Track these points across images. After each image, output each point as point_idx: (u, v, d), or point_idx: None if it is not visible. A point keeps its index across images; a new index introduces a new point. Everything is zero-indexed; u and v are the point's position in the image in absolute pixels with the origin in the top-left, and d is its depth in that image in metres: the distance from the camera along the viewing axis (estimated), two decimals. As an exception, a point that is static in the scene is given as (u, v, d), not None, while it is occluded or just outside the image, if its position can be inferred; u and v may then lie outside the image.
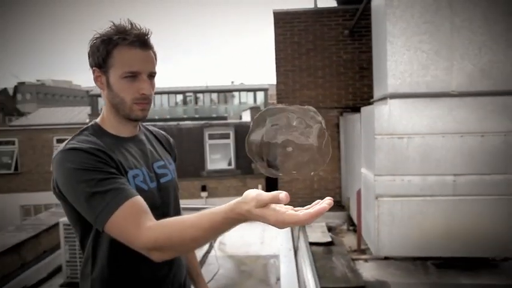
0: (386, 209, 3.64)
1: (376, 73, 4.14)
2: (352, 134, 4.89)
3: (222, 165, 14.55)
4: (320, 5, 5.82)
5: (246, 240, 5.17)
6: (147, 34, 1.10)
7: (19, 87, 42.95)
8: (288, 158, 0.85)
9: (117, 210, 0.94)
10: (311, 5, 5.81)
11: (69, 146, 1.02)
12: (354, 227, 5.07)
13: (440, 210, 3.58)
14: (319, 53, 5.58)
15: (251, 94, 28.43)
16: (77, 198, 0.98)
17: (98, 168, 0.98)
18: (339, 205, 5.73)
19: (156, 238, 0.90)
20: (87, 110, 25.80)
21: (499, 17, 3.51)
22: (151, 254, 0.91)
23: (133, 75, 1.08)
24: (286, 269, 3.74)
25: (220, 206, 0.84)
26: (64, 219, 3.85)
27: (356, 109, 4.71)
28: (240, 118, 16.83)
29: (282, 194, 0.75)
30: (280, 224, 0.74)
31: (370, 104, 4.25)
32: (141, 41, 1.08)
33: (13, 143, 14.24)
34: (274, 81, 5.96)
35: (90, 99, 30.05)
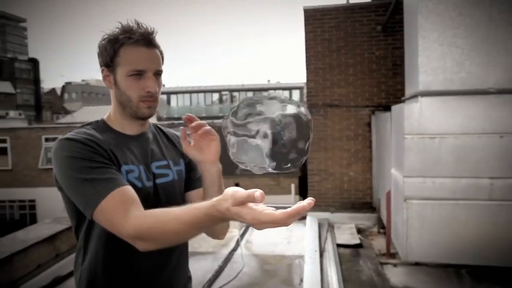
0: (416, 212, 3.48)
1: (408, 70, 3.96)
2: (384, 133, 4.72)
3: (256, 163, 14.60)
4: (352, 0, 5.66)
5: (273, 239, 5.14)
6: (152, 33, 1.13)
7: (66, 87, 45.39)
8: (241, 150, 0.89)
9: (105, 198, 0.96)
10: (343, 1, 5.67)
11: (65, 136, 1.06)
12: (384, 229, 4.89)
13: (475, 216, 3.36)
14: (351, 50, 5.44)
15: (286, 92, 28.31)
16: (69, 185, 1.01)
17: (91, 158, 1.01)
18: (370, 207, 5.56)
19: (139, 227, 0.91)
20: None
21: (544, 8, 3.24)
22: (136, 243, 0.94)
23: (139, 74, 1.11)
24: (310, 270, 3.67)
25: (204, 202, 0.84)
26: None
27: (388, 108, 4.54)
28: (275, 116, 16.76)
29: (257, 193, 0.73)
30: (257, 223, 0.72)
31: (401, 102, 4.07)
32: (146, 40, 1.11)
33: (59, 139, 15.06)
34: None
35: (131, 98, 31.16)
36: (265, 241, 5.08)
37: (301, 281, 3.68)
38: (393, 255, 4.10)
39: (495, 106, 3.31)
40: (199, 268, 4.16)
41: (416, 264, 3.76)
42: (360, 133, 5.50)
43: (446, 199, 3.41)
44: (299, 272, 3.96)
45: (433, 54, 3.39)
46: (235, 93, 31.24)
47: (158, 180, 1.18)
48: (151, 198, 1.13)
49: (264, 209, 0.73)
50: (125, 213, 0.94)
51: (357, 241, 4.69)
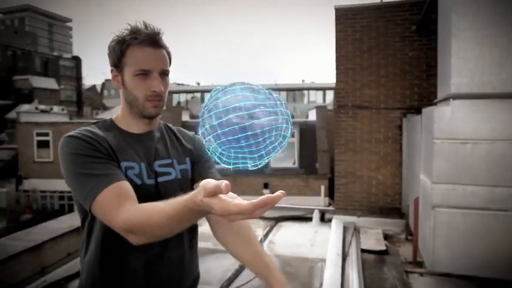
0: (444, 220, 3.31)
1: (440, 71, 3.78)
2: (415, 137, 4.55)
3: (286, 163, 14.52)
4: (386, -1, 5.48)
5: (296, 240, 5.09)
6: (158, 34, 1.15)
7: (106, 84, 47.18)
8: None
9: (102, 191, 1.00)
10: (376, 0, 5.51)
11: (69, 134, 1.11)
12: (412, 236, 4.71)
13: (510, 227, 3.16)
14: (382, 50, 5.27)
15: (320, 93, 27.95)
16: (71, 180, 1.06)
17: (91, 154, 1.05)
18: (399, 212, 5.37)
19: (130, 220, 0.94)
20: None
21: None
22: (128, 236, 0.96)
23: (144, 73, 1.14)
24: (330, 274, 3.59)
25: (185, 195, 0.84)
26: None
27: (421, 110, 4.36)
28: (307, 117, 16.61)
29: (223, 183, 0.72)
30: (225, 213, 0.71)
31: (432, 104, 3.90)
32: (151, 40, 1.13)
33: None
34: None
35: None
36: (288, 242, 5.03)
37: (321, 285, 3.61)
38: (420, 264, 3.94)
39: (536, 111, 3.10)
40: (219, 266, 4.18)
41: (445, 275, 3.59)
42: (390, 136, 5.33)
43: (478, 208, 3.22)
44: (320, 275, 3.89)
45: (468, 55, 3.21)
46: (269, 93, 31.22)
47: (160, 179, 1.19)
48: (152, 196, 1.14)
49: (234, 199, 0.72)
50: (118, 207, 0.97)
51: (383, 247, 4.55)
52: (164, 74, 1.17)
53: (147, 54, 1.13)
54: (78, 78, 36.13)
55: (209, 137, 0.78)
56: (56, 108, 28.03)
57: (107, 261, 1.13)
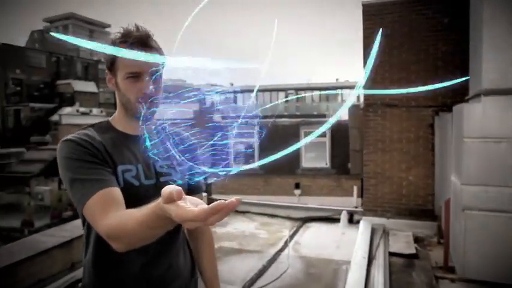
0: (476, 224, 3.13)
1: (472, 66, 3.57)
2: (447, 136, 4.33)
3: (317, 163, 14.35)
4: (417, -8, 5.26)
5: (323, 242, 5.01)
6: (149, 36, 1.16)
7: (143, 86, 48.62)
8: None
9: (91, 197, 1.01)
10: (406, -7, 5.30)
11: (66, 138, 1.12)
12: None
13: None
14: (413, 45, 5.06)
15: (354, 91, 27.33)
16: (65, 184, 1.08)
17: (84, 159, 1.07)
18: (431, 214, 5.14)
19: (110, 227, 0.95)
20: (196, 106, 27.83)
21: None
22: (111, 242, 0.97)
23: (135, 76, 1.15)
24: (354, 277, 3.50)
25: (156, 201, 0.83)
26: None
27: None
28: (340, 116, 16.31)
29: (175, 190, 0.70)
30: (180, 219, 0.70)
31: (464, 101, 3.69)
32: (141, 43, 1.14)
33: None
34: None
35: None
36: (314, 243, 4.96)
37: (345, 288, 3.53)
38: (451, 270, 3.75)
39: None
40: (243, 266, 4.19)
41: (477, 282, 3.39)
42: (422, 135, 5.11)
43: (512, 211, 3.02)
44: (344, 278, 3.80)
45: (502, 48, 3.01)
46: (301, 92, 30.99)
47: (162, 179, 1.20)
48: (151, 196, 1.15)
49: (188, 206, 0.70)
50: (104, 213, 0.98)
51: (413, 251, 4.37)
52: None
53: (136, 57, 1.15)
54: (117, 81, 37.39)
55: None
56: (95, 111, 29.23)
57: (102, 262, 1.15)
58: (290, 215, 6.21)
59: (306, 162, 14.51)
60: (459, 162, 3.28)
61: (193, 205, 0.73)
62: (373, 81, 5.31)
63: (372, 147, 5.35)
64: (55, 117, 26.07)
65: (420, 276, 3.74)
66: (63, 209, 15.64)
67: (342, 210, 5.83)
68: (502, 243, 3.07)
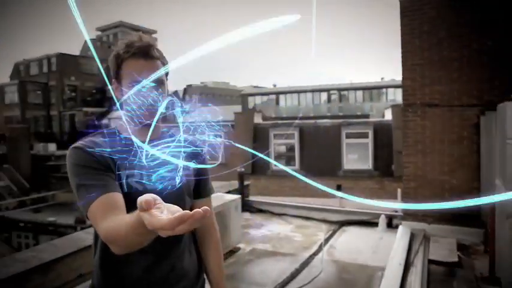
0: (522, 232, 2.89)
1: (518, 62, 3.32)
2: (492, 136, 4.06)
3: (359, 165, 13.99)
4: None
5: (358, 246, 4.87)
6: (151, 46, 1.21)
7: (187, 89, 49.97)
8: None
9: (94, 202, 1.05)
10: (448, -13, 5.03)
11: (73, 145, 1.18)
12: (491, 248, 4.21)
13: None
14: (455, 41, 4.78)
15: (399, 91, 26.36)
16: (73, 188, 1.13)
17: (89, 165, 1.12)
18: (477, 220, 4.83)
19: (107, 230, 0.99)
20: (238, 108, 28.20)
21: None
22: (109, 245, 1.01)
23: (138, 84, 1.18)
24: (388, 285, 3.37)
25: None
26: (182, 207, 4.35)
27: (499, 107, 3.88)
28: (383, 116, 15.80)
29: (142, 200, 0.72)
30: (151, 227, 0.71)
31: (509, 100, 3.43)
32: (143, 52, 1.19)
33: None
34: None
35: (242, 98, 32.83)
36: (350, 248, 4.84)
37: (378, 295, 3.41)
38: (497, 281, 3.49)
39: None
40: (276, 268, 4.18)
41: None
42: (466, 136, 4.81)
43: None
44: (378, 285, 3.67)
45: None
46: (344, 92, 30.36)
47: (166, 183, 1.24)
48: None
49: (160, 215, 0.72)
50: (104, 217, 1.02)
51: (455, 259, 4.13)
52: (159, 83, 1.21)
53: (139, 66, 1.18)
54: (162, 85, 38.81)
55: None
56: (142, 114, 30.43)
57: (106, 264, 1.21)
58: (326, 218, 6.11)
59: (348, 163, 14.20)
60: (503, 165, 3.06)
61: (170, 213, 0.74)
62: (412, 80, 5.10)
63: (412, 149, 5.12)
64: (105, 121, 27.50)
65: (462, 287, 3.53)
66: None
67: (381, 214, 5.64)
68: (551, 253, 2.82)
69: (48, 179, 20.28)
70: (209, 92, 51.93)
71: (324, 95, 31.28)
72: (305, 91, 31.45)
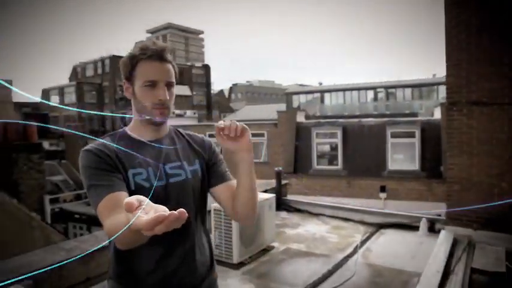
0: None
1: None
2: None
3: (405, 165, 13.45)
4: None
5: (396, 250, 4.70)
6: (165, 50, 1.28)
7: (233, 88, 50.75)
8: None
9: (101, 201, 1.12)
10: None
11: (85, 148, 1.27)
12: (543, 259, 3.88)
13: None
14: (506, 34, 4.44)
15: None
16: (85, 188, 1.21)
17: (98, 167, 1.19)
18: (530, 228, 4.46)
19: (109, 227, 1.05)
20: (283, 107, 28.16)
21: None
22: (114, 241, 1.07)
23: (152, 84, 1.27)
24: (423, 292, 3.22)
25: None
26: (215, 205, 4.42)
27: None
28: (432, 115, 15.06)
29: (125, 202, 0.76)
30: (134, 228, 0.75)
31: None
32: (158, 55, 1.26)
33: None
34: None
35: (286, 96, 32.76)
36: (387, 251, 4.67)
37: (412, 302, 3.27)
38: (547, 294, 3.22)
39: None
40: (308, 269, 4.14)
41: None
42: (517, 137, 4.46)
43: None
44: (414, 292, 3.52)
45: None
46: (392, 90, 29.30)
47: (171, 180, 1.29)
48: (161, 196, 1.26)
49: (143, 216, 0.75)
50: (108, 215, 1.08)
51: (502, 269, 3.84)
52: (170, 85, 1.30)
53: (154, 67, 1.26)
54: (208, 84, 39.79)
55: None
56: (188, 112, 31.38)
57: (119, 258, 1.28)
58: (365, 220, 5.94)
59: (393, 164, 13.69)
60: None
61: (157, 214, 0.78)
62: (457, 77, 4.82)
63: (456, 150, 4.84)
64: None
65: (506, 298, 3.29)
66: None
67: (422, 217, 5.39)
68: None
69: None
70: (254, 90, 52.39)
71: (371, 93, 30.39)
72: (351, 89, 30.75)
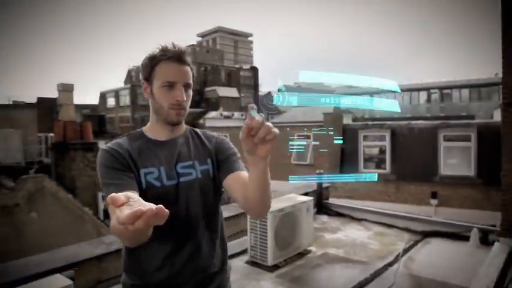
0: None
1: None
2: None
3: (460, 171, 12.64)
4: None
5: (441, 262, 4.42)
6: (184, 52, 1.31)
7: (281, 89, 50.67)
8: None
9: None
10: None
11: (102, 147, 1.32)
12: None
13: None
14: None
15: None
16: (101, 187, 1.25)
17: (112, 166, 1.24)
18: None
19: (112, 225, 1.07)
20: (331, 108, 27.60)
21: None
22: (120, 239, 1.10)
23: (170, 85, 1.29)
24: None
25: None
26: (251, 206, 4.43)
27: None
28: (491, 117, 14.04)
29: (111, 197, 0.79)
30: (119, 223, 0.77)
31: None
32: (177, 57, 1.29)
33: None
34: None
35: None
36: (431, 262, 4.40)
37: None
38: None
39: None
40: (344, 276, 4.01)
41: None
42: None
43: None
44: (458, 307, 3.28)
45: None
46: (447, 91, 27.71)
47: (182, 179, 1.31)
48: (172, 195, 1.28)
49: (126, 211, 0.76)
50: (115, 212, 1.10)
51: None
52: (187, 86, 1.32)
53: (173, 69, 1.29)
54: (256, 86, 40.11)
55: None
56: (236, 114, 31.80)
57: (131, 253, 1.32)
58: (410, 227, 5.65)
59: (446, 168, 12.92)
60: None
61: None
62: (514, 75, 4.43)
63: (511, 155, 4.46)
64: (201, 121, 29.37)
65: None
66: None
67: (473, 227, 5.02)
68: None
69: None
70: (303, 92, 51.91)
71: (424, 94, 28.97)
72: (403, 90, 29.50)
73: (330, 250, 4.83)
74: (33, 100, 26.02)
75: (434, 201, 12.48)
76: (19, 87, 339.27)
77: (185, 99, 1.30)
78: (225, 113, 30.80)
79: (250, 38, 75.79)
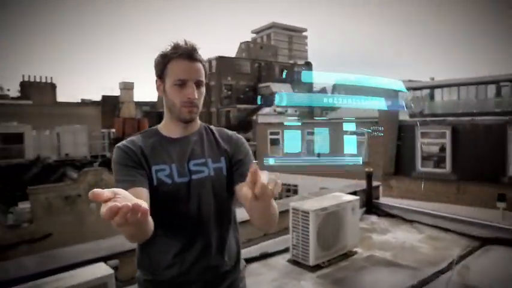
0: None
1: None
2: None
3: (533, 172, 11.48)
4: None
5: (502, 271, 4.07)
6: (195, 49, 1.31)
7: (336, 85, 49.53)
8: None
9: None
10: None
11: (117, 145, 1.34)
12: None
13: None
14: None
15: None
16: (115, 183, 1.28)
17: (124, 163, 1.27)
18: None
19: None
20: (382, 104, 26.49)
21: None
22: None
23: (182, 83, 1.29)
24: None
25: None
26: (293, 204, 4.36)
27: None
28: None
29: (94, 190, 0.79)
30: (102, 216, 0.77)
31: None
32: (188, 54, 1.29)
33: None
34: None
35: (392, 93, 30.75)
36: (490, 272, 4.05)
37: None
38: None
39: None
40: (390, 281, 3.82)
41: None
42: None
43: None
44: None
45: None
46: (520, 84, 25.28)
47: (194, 176, 1.31)
48: (183, 192, 1.28)
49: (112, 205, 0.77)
50: None
51: None
52: (199, 84, 1.31)
53: (184, 66, 1.29)
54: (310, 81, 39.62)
55: None
56: (290, 110, 31.66)
57: (144, 249, 1.34)
58: (468, 232, 5.23)
59: (516, 169, 11.81)
60: None
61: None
62: None
63: None
64: (254, 117, 29.63)
65: None
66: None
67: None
68: None
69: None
70: (358, 88, 50.39)
71: (492, 88, 26.68)
72: (467, 84, 27.47)
73: (376, 252, 4.62)
74: (98, 98, 27.99)
75: (501, 204, 11.44)
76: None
77: (197, 96, 1.30)
78: (279, 109, 30.77)
79: (304, 33, 74.96)
